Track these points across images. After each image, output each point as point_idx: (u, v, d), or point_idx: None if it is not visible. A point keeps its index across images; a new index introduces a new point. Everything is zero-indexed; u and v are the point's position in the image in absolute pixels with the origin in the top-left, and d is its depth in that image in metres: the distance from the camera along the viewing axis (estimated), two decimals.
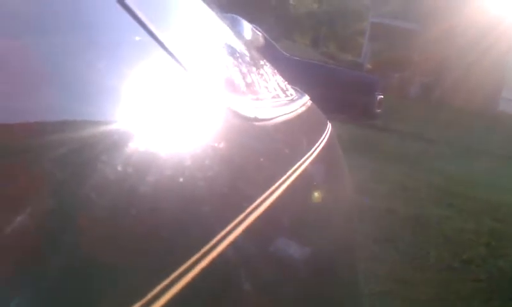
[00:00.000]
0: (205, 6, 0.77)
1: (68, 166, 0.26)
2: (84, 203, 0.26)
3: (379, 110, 5.79)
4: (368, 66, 15.67)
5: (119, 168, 0.29)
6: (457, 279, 2.75)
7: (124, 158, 0.30)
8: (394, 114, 8.78)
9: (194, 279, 0.30)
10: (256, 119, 0.58)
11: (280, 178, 0.52)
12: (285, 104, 0.83)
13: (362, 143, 6.57)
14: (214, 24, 0.79)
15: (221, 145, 0.46)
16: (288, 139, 0.69)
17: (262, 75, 0.82)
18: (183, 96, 0.45)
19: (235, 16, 1.36)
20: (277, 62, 1.48)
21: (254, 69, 0.79)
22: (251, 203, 0.43)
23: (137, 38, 0.42)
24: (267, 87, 0.79)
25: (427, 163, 6.14)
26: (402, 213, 3.74)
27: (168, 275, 0.28)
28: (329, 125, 1.05)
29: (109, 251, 0.26)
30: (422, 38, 14.51)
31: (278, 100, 0.82)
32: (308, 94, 1.16)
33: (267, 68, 0.91)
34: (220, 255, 0.33)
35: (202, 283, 0.31)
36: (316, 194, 0.67)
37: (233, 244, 0.36)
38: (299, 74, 1.98)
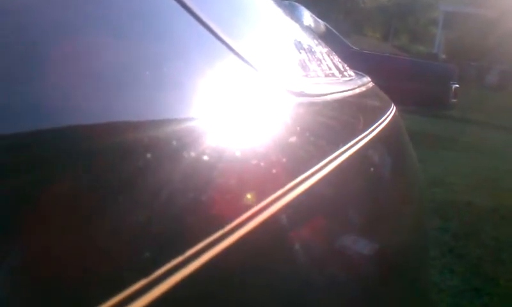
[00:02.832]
0: None
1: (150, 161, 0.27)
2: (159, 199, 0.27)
3: (454, 100, 5.56)
4: (443, 56, 15.19)
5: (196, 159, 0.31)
6: None
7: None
8: (472, 103, 8.42)
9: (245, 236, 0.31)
10: (303, 94, 0.54)
11: (329, 155, 0.48)
12: (340, 83, 0.79)
13: (439, 134, 6.35)
14: (268, 8, 0.76)
15: (266, 120, 0.43)
16: (340, 115, 0.65)
17: (314, 53, 0.77)
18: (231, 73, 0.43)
19: (293, 2, 1.33)
20: (346, 56, 1.44)
21: (306, 47, 0.75)
22: (292, 179, 0.39)
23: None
24: (320, 66, 0.75)
25: (510, 153, 5.83)
26: (483, 206, 3.57)
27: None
28: (393, 107, 0.99)
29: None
30: (498, 24, 13.91)
31: (332, 78, 0.78)
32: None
33: (322, 48, 0.86)
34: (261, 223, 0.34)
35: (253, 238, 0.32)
36: (373, 177, 0.61)
37: (273, 216, 0.35)
38: (369, 67, 1.93)
